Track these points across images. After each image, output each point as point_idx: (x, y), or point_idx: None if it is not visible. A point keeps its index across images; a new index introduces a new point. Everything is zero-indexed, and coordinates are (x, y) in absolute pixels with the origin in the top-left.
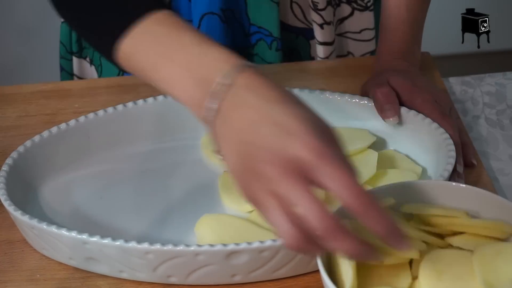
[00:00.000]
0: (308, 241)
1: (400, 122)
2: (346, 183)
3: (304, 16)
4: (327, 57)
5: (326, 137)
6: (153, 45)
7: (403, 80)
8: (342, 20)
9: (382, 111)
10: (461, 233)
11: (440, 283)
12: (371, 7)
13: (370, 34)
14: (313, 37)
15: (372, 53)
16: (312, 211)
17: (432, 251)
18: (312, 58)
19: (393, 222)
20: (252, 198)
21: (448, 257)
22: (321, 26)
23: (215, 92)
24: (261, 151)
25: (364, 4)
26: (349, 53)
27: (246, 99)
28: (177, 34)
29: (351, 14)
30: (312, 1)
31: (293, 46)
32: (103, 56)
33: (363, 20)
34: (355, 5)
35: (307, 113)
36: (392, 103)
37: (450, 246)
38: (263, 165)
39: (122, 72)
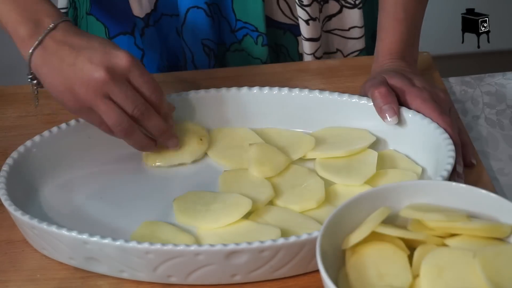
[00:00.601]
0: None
1: (400, 122)
2: (150, 84)
3: (291, 12)
4: (313, 53)
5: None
6: None
7: (402, 80)
8: (330, 17)
9: (381, 111)
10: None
11: (440, 281)
12: (360, 5)
13: (359, 32)
14: (300, 33)
15: (361, 51)
16: (130, 102)
17: (433, 250)
18: (300, 55)
19: (168, 127)
20: (82, 104)
21: (449, 255)
22: (306, 22)
23: (42, 34)
24: (85, 65)
25: (352, 2)
26: (337, 50)
27: (69, 37)
28: None
29: (340, 11)
30: None
31: (281, 42)
32: None
33: (351, 17)
34: (343, 2)
35: (108, 42)
36: (391, 103)
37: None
38: (97, 74)
39: None
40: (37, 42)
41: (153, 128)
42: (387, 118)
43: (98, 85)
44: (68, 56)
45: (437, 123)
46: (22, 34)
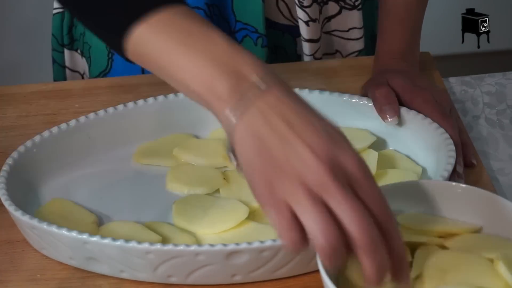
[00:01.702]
0: (340, 247)
1: (400, 122)
2: (382, 198)
3: (290, 13)
4: (313, 54)
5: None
6: (174, 33)
7: (402, 80)
8: (329, 18)
9: (381, 112)
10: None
11: (444, 284)
12: (359, 6)
13: (358, 33)
14: (299, 34)
15: (360, 52)
16: (358, 219)
17: (436, 252)
18: (299, 56)
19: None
20: (280, 196)
21: (452, 258)
22: (306, 23)
23: (247, 92)
24: (305, 152)
25: (352, 3)
26: (337, 51)
27: (283, 100)
28: (201, 26)
29: (339, 12)
30: None
31: (279, 43)
32: (109, 45)
33: (351, 18)
34: (342, 4)
35: (335, 125)
36: (391, 104)
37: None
38: (316, 169)
39: (110, 63)
40: (243, 104)
41: (378, 263)
42: (387, 118)
43: (314, 182)
44: (280, 127)
45: (438, 123)
46: (219, 90)
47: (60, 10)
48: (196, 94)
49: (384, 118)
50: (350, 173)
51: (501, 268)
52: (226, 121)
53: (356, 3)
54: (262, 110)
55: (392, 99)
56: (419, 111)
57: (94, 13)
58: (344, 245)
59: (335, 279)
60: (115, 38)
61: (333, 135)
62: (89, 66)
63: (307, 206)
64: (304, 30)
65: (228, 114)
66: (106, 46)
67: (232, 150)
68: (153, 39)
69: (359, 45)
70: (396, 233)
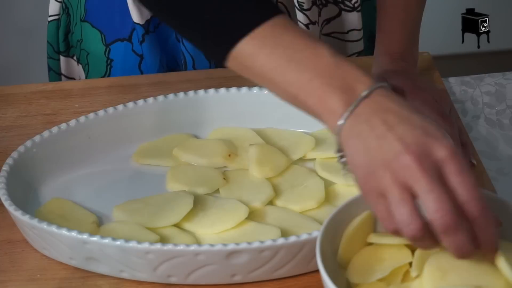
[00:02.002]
0: (427, 235)
1: None
2: (469, 184)
3: (290, 16)
4: None
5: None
6: (278, 47)
7: (402, 80)
8: (329, 20)
9: None
10: None
11: (444, 283)
12: (359, 8)
13: (358, 34)
14: None
15: (360, 53)
16: (440, 206)
17: (436, 252)
18: None
19: (494, 233)
20: (376, 188)
21: (453, 257)
22: (306, 26)
23: (354, 102)
24: (396, 143)
25: (351, 5)
26: None
27: (386, 105)
28: (306, 41)
29: (339, 14)
30: (298, 1)
31: None
32: (209, 55)
33: (350, 20)
34: (342, 6)
35: (435, 123)
36: None
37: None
38: (404, 157)
39: (109, 69)
40: (348, 111)
41: (456, 246)
42: None
43: (400, 169)
44: (379, 127)
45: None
46: (332, 105)
47: (56, 17)
48: (307, 106)
49: None
50: (441, 162)
51: (502, 263)
52: (336, 129)
53: (356, 5)
54: (364, 113)
55: None
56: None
57: (199, 27)
58: (426, 230)
59: (335, 279)
60: (219, 52)
61: (428, 128)
62: (87, 73)
63: (393, 194)
64: None
65: (337, 122)
66: (105, 52)
67: (340, 152)
68: (257, 54)
69: (358, 46)
70: (484, 218)
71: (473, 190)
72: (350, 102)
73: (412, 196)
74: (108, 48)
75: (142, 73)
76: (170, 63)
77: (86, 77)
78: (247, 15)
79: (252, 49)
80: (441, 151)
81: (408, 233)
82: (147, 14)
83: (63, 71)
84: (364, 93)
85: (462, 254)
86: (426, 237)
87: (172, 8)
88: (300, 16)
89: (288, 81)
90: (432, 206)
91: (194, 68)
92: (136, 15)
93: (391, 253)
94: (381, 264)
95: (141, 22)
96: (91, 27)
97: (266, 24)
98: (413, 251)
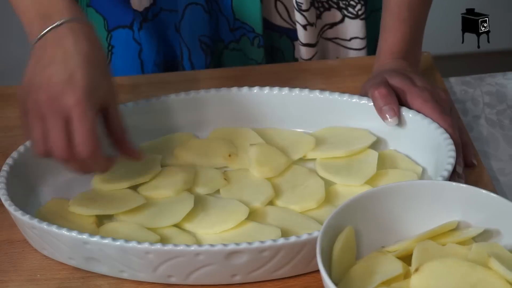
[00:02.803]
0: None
1: (400, 122)
2: (83, 130)
3: (289, 16)
4: (309, 59)
5: (97, 93)
6: None
7: (403, 80)
8: (332, 25)
9: (381, 112)
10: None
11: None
12: (362, 16)
13: (361, 43)
14: (297, 38)
15: None
16: (59, 140)
17: (428, 263)
18: (296, 60)
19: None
20: (27, 117)
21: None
22: (304, 27)
23: (48, 28)
24: (44, 87)
25: (355, 12)
26: (337, 59)
27: (63, 40)
28: None
29: (341, 20)
30: (296, 2)
31: (277, 45)
32: None
33: (353, 28)
34: (345, 12)
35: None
36: (391, 104)
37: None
38: (43, 98)
39: (110, 56)
40: (40, 35)
41: (72, 169)
42: (387, 118)
43: (42, 104)
44: (48, 58)
45: (438, 123)
46: (33, 28)
47: None
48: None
49: (384, 118)
50: (64, 106)
51: (494, 263)
52: (31, 49)
53: (359, 13)
54: (50, 37)
55: (391, 99)
56: (419, 111)
57: None
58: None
59: (335, 279)
60: None
61: (73, 71)
62: None
63: (34, 127)
64: (301, 34)
65: (31, 44)
66: (106, 38)
67: None
68: None
69: (361, 55)
70: (88, 159)
71: (84, 136)
72: (44, 27)
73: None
74: (110, 34)
75: (142, 61)
76: (168, 53)
77: None
78: None
79: None
80: (68, 99)
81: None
82: (146, 2)
83: None
84: (57, 23)
85: (80, 173)
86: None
87: None
88: (298, 16)
89: (20, 11)
90: (52, 142)
91: (190, 60)
92: (135, 1)
93: (382, 266)
94: (372, 278)
95: (140, 9)
96: (95, 12)
97: None
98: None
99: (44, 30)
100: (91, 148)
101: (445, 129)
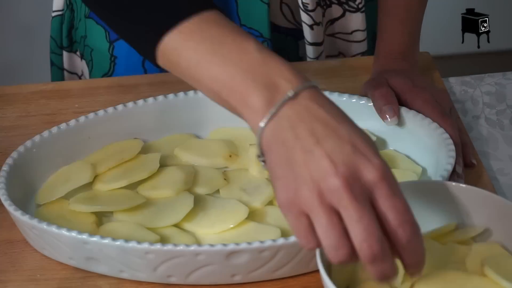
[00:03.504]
0: (354, 258)
1: (400, 122)
2: (399, 208)
3: (293, 17)
4: (317, 58)
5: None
6: (204, 42)
7: (402, 80)
8: (333, 21)
9: (381, 112)
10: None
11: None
12: (363, 9)
13: (362, 35)
14: (301, 37)
15: (364, 54)
16: (365, 233)
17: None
18: (300, 59)
19: (423, 258)
20: (299, 206)
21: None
22: (310, 26)
23: (279, 102)
24: (323, 161)
25: (355, 6)
26: (340, 53)
27: (313, 111)
28: (234, 35)
29: (343, 15)
30: (302, 2)
31: (282, 46)
32: (139, 51)
33: (354, 21)
34: (346, 7)
35: (365, 134)
36: (391, 104)
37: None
38: (332, 180)
39: (113, 66)
40: (271, 113)
41: (380, 274)
42: (387, 118)
43: (327, 191)
44: (306, 138)
45: (438, 123)
46: (254, 103)
47: (60, 13)
48: (229, 105)
49: (383, 118)
50: (371, 185)
51: (489, 272)
52: (258, 131)
53: (360, 6)
54: (289, 117)
55: (391, 99)
56: (419, 111)
57: (127, 19)
58: (353, 254)
59: (335, 279)
60: (146, 47)
61: (358, 145)
62: (91, 69)
63: (320, 217)
64: (308, 34)
65: (259, 124)
66: (108, 49)
67: (262, 155)
68: (183, 48)
69: (362, 47)
70: (412, 243)
71: (403, 214)
72: (273, 101)
73: (340, 219)
74: (112, 45)
75: (145, 71)
76: None
77: (90, 73)
78: (175, 8)
79: (177, 43)
80: (371, 172)
81: (335, 258)
82: None
83: (65, 66)
84: (290, 93)
85: (384, 280)
86: (352, 260)
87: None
88: (304, 17)
89: (212, 76)
90: (360, 236)
91: None
92: None
93: None
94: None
95: None
96: (95, 23)
97: (194, 17)
98: None
99: (274, 104)
100: (415, 226)
101: (445, 129)
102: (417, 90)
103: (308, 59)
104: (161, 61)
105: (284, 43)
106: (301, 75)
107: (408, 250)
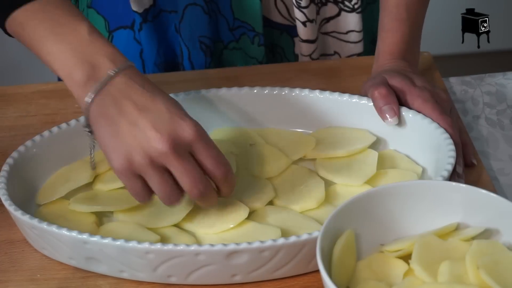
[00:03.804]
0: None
1: (400, 122)
2: (213, 156)
3: (289, 13)
4: (309, 55)
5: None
6: (45, 21)
7: (403, 80)
8: (328, 19)
9: (381, 112)
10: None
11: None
12: (359, 10)
13: (357, 36)
14: (296, 34)
15: (359, 55)
16: (190, 179)
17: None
18: (296, 56)
19: (234, 186)
20: (132, 170)
21: None
22: (304, 23)
23: (101, 79)
24: (149, 131)
25: (351, 6)
26: (335, 52)
27: (133, 87)
28: (70, 18)
29: (338, 14)
30: None
31: (277, 42)
32: None
33: (350, 21)
34: (342, 6)
35: (175, 100)
36: (391, 104)
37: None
38: (159, 146)
39: None
40: (96, 88)
41: (207, 204)
42: (387, 118)
43: (157, 156)
44: (131, 113)
45: (438, 123)
46: (77, 78)
47: None
48: (61, 77)
49: (383, 118)
50: (189, 141)
51: (483, 275)
52: (84, 105)
53: (356, 6)
54: (112, 93)
55: (391, 99)
56: (419, 111)
57: None
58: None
59: (335, 279)
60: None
61: (173, 111)
62: None
63: (154, 176)
64: (301, 31)
65: (84, 99)
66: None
67: (88, 127)
68: (27, 24)
69: (357, 48)
70: (227, 178)
71: (217, 159)
72: (94, 77)
73: (170, 174)
74: (111, 35)
75: (143, 62)
76: (168, 54)
77: None
78: None
79: (22, 19)
80: (188, 132)
81: (169, 203)
82: (146, 3)
83: None
84: (111, 72)
85: (210, 206)
86: (181, 201)
87: None
88: (298, 13)
89: (48, 52)
90: (189, 184)
91: (190, 60)
92: (134, 2)
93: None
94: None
95: (139, 11)
96: (96, 13)
97: (40, 0)
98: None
99: (97, 80)
100: (227, 165)
101: (445, 129)
102: (417, 90)
103: (300, 56)
104: (9, 30)
105: (279, 39)
106: (122, 57)
107: (225, 184)
